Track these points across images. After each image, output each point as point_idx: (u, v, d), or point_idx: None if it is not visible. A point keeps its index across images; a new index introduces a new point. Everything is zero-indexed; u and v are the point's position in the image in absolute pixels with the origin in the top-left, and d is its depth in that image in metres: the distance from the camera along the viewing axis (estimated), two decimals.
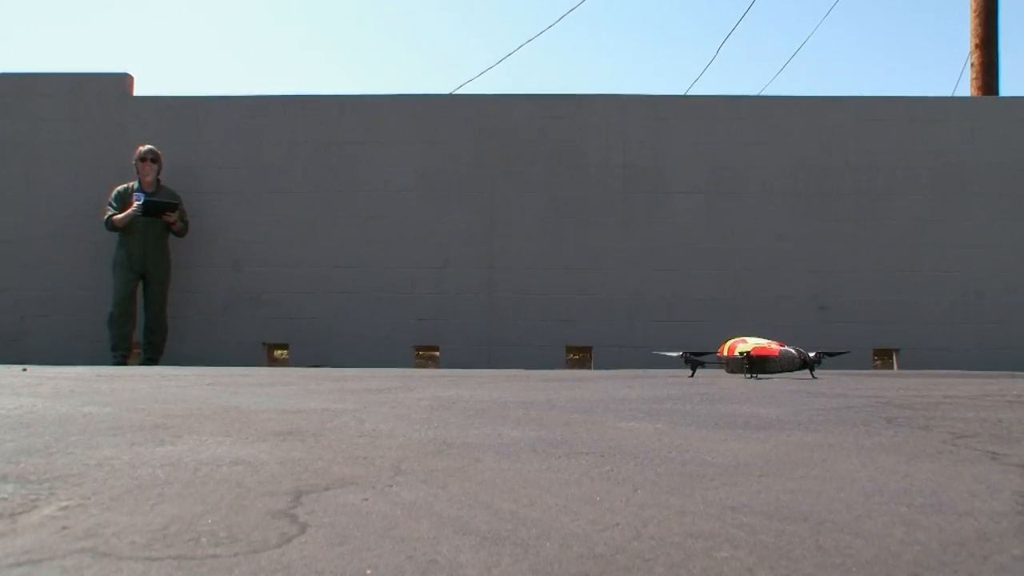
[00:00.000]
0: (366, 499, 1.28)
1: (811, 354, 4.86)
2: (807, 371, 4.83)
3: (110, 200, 7.21)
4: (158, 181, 7.28)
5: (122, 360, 7.09)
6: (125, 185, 7.23)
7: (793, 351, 4.78)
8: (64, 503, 1.25)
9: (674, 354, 5.33)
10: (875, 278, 7.30)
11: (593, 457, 1.71)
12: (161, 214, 7.12)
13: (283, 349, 7.74)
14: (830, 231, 7.35)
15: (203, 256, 7.50)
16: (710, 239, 7.36)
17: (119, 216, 7.11)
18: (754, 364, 4.72)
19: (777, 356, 4.71)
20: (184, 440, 1.91)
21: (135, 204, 7.07)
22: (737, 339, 5.06)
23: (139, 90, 7.73)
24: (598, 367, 7.20)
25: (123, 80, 7.66)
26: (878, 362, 7.55)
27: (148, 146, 7.23)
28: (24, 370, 5.04)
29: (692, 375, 4.94)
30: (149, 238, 7.17)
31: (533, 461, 1.66)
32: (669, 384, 3.93)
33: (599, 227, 7.39)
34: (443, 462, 1.64)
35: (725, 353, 4.98)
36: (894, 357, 7.38)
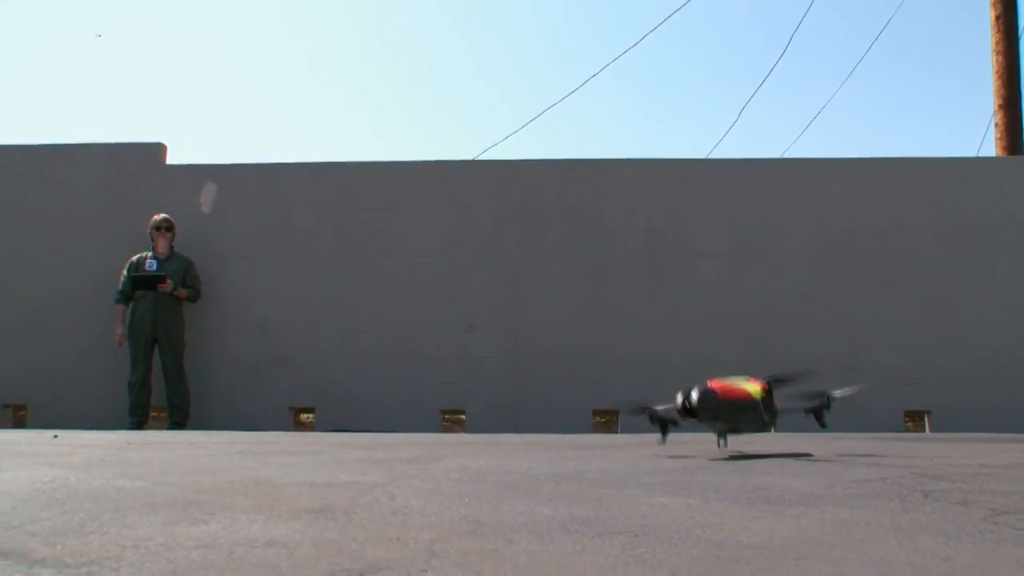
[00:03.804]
0: None
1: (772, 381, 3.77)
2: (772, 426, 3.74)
3: (123, 272, 7.39)
4: (171, 248, 7.45)
5: (137, 425, 7.18)
6: (138, 255, 7.43)
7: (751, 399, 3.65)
8: None
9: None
10: (904, 339, 7.23)
11: (627, 537, 1.70)
12: (152, 287, 7.26)
13: (309, 413, 7.75)
14: (856, 292, 7.31)
15: (231, 320, 7.57)
16: (735, 301, 7.34)
17: (118, 331, 7.37)
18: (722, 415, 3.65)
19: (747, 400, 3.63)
20: (217, 518, 1.92)
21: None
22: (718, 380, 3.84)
23: (172, 158, 7.91)
24: (624, 431, 7.14)
25: (156, 149, 7.84)
26: (909, 424, 7.43)
27: (162, 215, 7.43)
28: (55, 436, 5.08)
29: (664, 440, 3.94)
30: (160, 304, 7.31)
31: (567, 542, 1.65)
32: (699, 453, 3.89)
33: (624, 290, 7.40)
34: (476, 543, 1.63)
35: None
36: (925, 419, 7.27)
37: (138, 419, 7.23)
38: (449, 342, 7.41)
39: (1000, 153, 9.90)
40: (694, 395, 3.57)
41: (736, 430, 3.81)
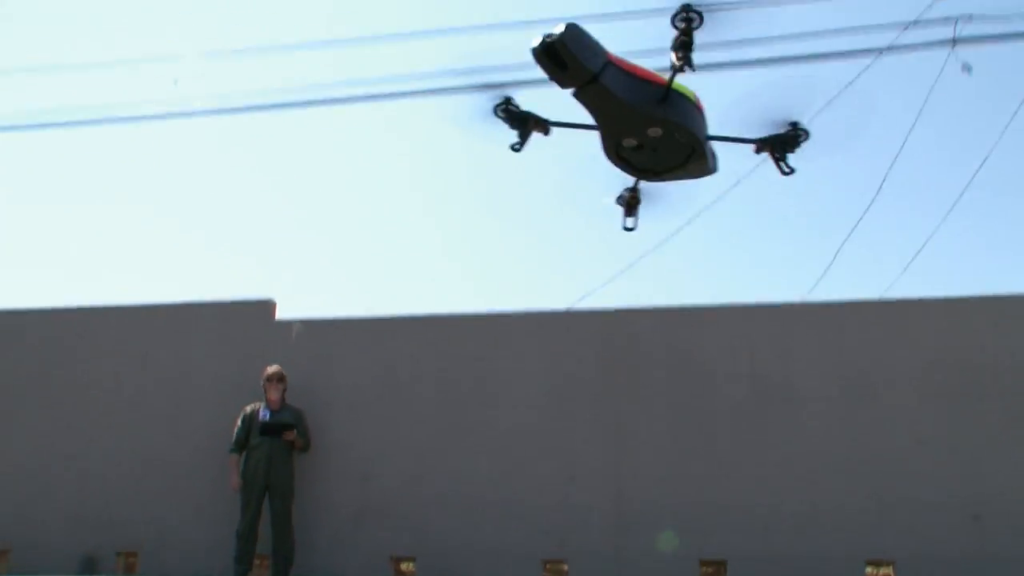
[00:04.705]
0: None
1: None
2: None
3: (238, 422, 7.63)
4: (283, 399, 7.69)
5: (243, 574, 7.28)
6: (252, 406, 7.68)
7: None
8: None
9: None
10: None
11: None
12: (279, 434, 7.47)
13: (410, 562, 7.69)
14: (976, 433, 6.95)
15: (332, 469, 7.70)
16: (845, 446, 7.07)
17: (234, 479, 7.53)
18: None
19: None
20: None
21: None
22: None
23: (281, 313, 8.27)
24: None
25: (266, 305, 8.22)
26: None
27: (275, 367, 7.70)
28: None
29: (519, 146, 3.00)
30: (274, 453, 7.49)
31: None
32: None
33: (728, 437, 7.24)
34: None
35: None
36: None
37: (244, 568, 7.31)
38: (550, 492, 7.33)
39: None
40: (559, 28, 2.19)
41: (642, 148, 2.35)
